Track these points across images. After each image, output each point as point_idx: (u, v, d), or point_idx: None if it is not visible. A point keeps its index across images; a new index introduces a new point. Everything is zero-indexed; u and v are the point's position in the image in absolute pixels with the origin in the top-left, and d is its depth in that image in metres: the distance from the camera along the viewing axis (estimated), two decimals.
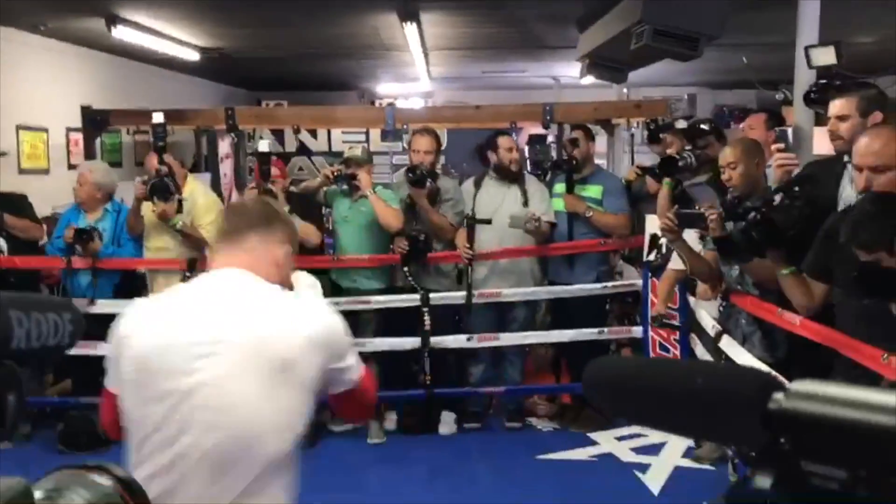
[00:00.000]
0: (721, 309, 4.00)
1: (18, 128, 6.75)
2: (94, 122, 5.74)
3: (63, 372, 5.32)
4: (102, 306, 4.72)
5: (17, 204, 5.05)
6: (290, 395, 1.77)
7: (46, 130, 7.16)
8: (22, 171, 6.63)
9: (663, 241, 4.36)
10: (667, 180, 4.54)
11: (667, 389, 0.76)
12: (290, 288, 2.02)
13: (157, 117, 4.96)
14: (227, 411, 1.73)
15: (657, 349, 4.91)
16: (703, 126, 4.78)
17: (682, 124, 5.18)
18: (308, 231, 4.84)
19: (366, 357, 4.91)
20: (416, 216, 5.01)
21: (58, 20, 6.64)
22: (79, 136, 6.97)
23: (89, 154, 5.82)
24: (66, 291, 4.94)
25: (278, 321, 1.81)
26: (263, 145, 5.14)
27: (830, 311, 2.96)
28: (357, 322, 5.02)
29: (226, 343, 1.75)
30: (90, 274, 4.87)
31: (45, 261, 5.02)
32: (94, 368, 5.01)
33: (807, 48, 4.23)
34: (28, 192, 5.46)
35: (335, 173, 5.01)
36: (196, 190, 5.11)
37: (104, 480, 0.81)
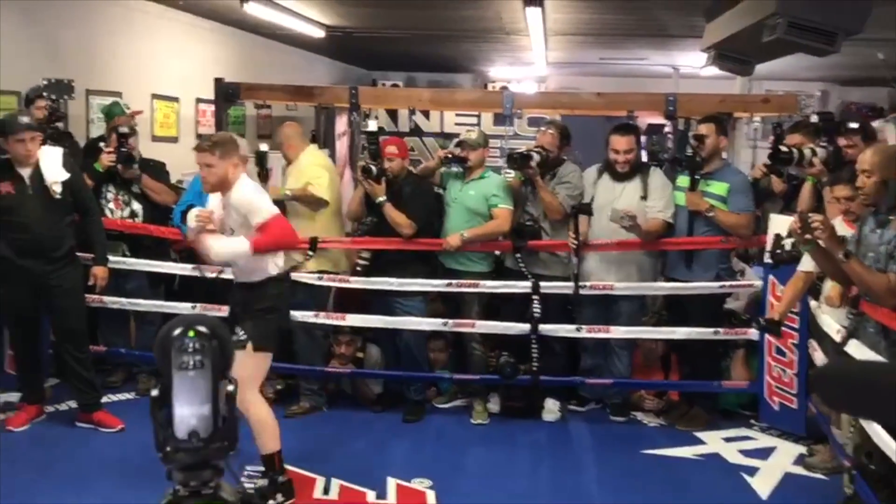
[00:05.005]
0: (850, 317, 3.84)
1: (153, 96, 7.08)
2: (226, 94, 5.95)
3: None
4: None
5: (155, 170, 5.29)
6: None
7: (178, 100, 7.49)
8: (154, 139, 6.95)
9: (786, 241, 4.16)
10: (810, 176, 4.35)
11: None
12: None
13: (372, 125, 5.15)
14: None
15: (773, 353, 4.78)
16: (851, 124, 4.51)
17: (815, 119, 4.96)
18: (399, 220, 4.88)
19: (470, 337, 5.04)
20: (527, 201, 5.01)
21: None
22: (207, 107, 7.27)
23: (219, 125, 6.04)
24: (194, 258, 5.16)
25: None
26: (371, 125, 5.19)
27: None
28: (461, 302, 5.09)
29: None
30: None
31: (177, 232, 5.16)
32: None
33: None
34: (159, 159, 5.71)
35: (448, 155, 5.07)
36: (308, 154, 5.21)
37: None
